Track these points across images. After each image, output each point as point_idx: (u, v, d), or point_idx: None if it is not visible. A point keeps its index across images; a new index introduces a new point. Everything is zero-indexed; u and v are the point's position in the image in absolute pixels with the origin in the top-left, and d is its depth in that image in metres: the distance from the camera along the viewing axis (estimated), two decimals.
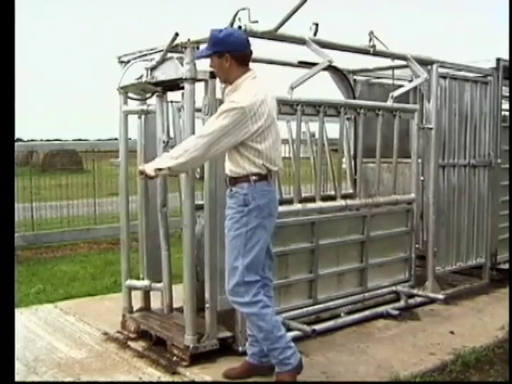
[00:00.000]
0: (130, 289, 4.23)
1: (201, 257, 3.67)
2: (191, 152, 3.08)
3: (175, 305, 3.91)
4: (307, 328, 3.73)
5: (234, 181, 3.20)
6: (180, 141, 3.56)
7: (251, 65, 3.24)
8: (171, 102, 3.83)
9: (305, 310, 4.17)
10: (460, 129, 5.23)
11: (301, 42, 3.93)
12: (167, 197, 3.92)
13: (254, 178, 3.15)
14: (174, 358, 3.61)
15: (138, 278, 4.21)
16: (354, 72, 5.61)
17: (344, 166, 5.37)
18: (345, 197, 4.45)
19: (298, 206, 4.09)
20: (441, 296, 4.74)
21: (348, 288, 4.47)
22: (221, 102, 3.45)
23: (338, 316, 4.30)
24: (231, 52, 3.13)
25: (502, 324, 4.30)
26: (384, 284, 4.72)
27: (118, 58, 4.11)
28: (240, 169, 3.17)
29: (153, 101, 3.88)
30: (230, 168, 3.23)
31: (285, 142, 4.68)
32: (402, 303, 4.68)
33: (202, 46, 3.61)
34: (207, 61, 3.31)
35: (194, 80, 3.45)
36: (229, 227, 3.21)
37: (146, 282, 4.14)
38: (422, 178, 4.97)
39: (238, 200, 3.17)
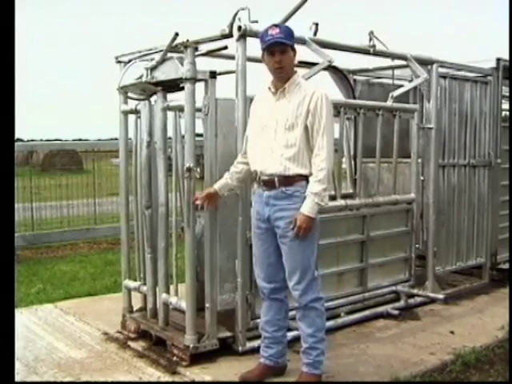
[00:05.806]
0: (128, 289, 4.23)
1: (201, 257, 3.67)
2: (331, 164, 3.08)
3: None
4: None
5: (291, 180, 3.08)
6: (160, 140, 3.65)
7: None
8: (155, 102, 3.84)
9: None
10: (460, 129, 5.24)
11: (301, 42, 3.92)
12: (154, 198, 3.89)
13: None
14: (174, 358, 3.61)
15: (136, 279, 4.22)
16: (354, 72, 5.61)
17: (344, 165, 5.37)
18: (345, 197, 4.45)
19: None
20: (441, 296, 4.74)
21: (348, 288, 4.47)
22: (220, 101, 3.45)
23: (338, 316, 4.30)
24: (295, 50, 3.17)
25: (502, 324, 4.30)
26: (384, 284, 4.72)
27: (116, 57, 4.11)
28: (303, 169, 3.08)
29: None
30: (288, 166, 3.07)
31: None
32: (402, 303, 4.68)
33: (202, 46, 3.62)
34: (207, 61, 3.30)
35: (194, 80, 3.45)
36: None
37: (138, 283, 4.15)
38: (421, 178, 4.97)
39: (300, 199, 3.06)
